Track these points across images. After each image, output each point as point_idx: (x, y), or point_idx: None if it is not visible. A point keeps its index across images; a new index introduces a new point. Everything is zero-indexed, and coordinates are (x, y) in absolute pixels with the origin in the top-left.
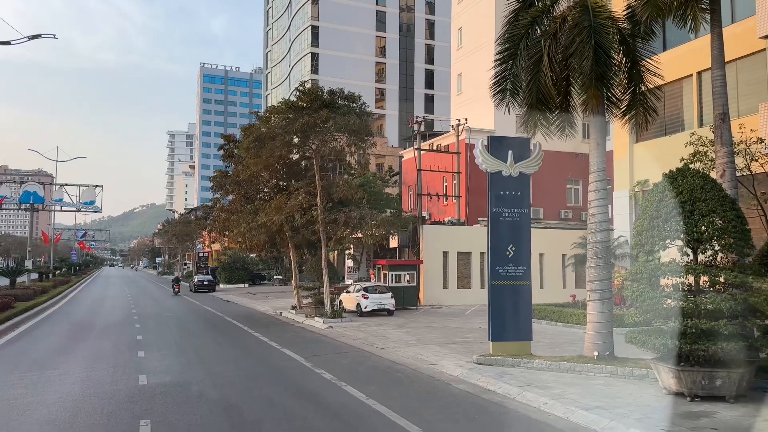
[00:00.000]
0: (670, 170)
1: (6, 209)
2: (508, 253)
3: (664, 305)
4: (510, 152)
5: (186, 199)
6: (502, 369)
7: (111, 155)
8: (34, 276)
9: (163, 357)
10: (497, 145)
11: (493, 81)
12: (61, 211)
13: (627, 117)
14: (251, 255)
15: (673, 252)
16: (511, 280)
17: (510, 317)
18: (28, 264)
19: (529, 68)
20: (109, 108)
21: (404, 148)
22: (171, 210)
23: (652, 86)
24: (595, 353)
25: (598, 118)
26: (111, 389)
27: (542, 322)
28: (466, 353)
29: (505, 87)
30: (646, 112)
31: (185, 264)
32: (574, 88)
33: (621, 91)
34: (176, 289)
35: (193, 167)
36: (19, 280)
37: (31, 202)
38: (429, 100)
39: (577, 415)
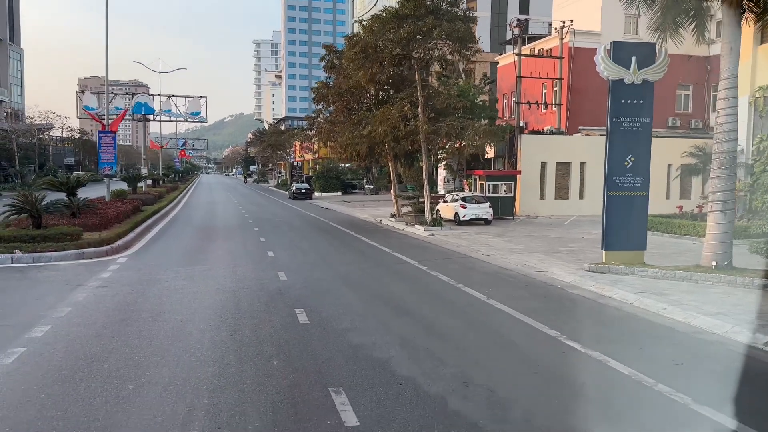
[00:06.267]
0: None
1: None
2: (626, 163)
3: None
4: (634, 58)
5: (273, 109)
6: (615, 277)
7: (200, 66)
8: (149, 183)
9: (291, 257)
10: (620, 50)
11: None
12: (170, 121)
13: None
14: (343, 165)
15: None
16: (629, 190)
17: (625, 227)
18: (144, 171)
19: None
20: (196, 18)
21: (498, 53)
22: (259, 120)
23: None
24: (713, 263)
25: (734, 19)
26: (258, 283)
27: (648, 233)
28: (573, 262)
29: None
30: None
31: (279, 172)
32: None
33: None
34: (246, 181)
35: (279, 77)
36: (137, 186)
37: (142, 112)
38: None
39: (699, 320)
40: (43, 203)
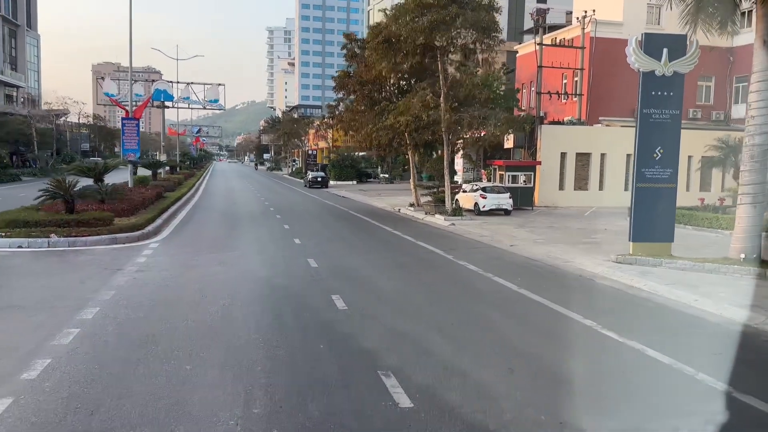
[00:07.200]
0: None
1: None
2: (655, 155)
3: None
4: (665, 50)
5: (286, 97)
6: (643, 268)
7: (212, 52)
8: (166, 169)
9: (317, 244)
10: (651, 42)
11: None
12: (188, 108)
13: None
14: (358, 153)
15: None
16: (657, 182)
17: (652, 219)
18: (163, 158)
19: None
20: (207, 4)
21: (517, 42)
22: (272, 107)
23: None
24: (742, 255)
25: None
26: (291, 269)
27: None
28: (599, 252)
29: None
30: None
31: (294, 160)
32: None
33: None
34: (257, 168)
35: (292, 64)
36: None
37: (162, 99)
38: None
39: (731, 311)
40: (75, 189)
